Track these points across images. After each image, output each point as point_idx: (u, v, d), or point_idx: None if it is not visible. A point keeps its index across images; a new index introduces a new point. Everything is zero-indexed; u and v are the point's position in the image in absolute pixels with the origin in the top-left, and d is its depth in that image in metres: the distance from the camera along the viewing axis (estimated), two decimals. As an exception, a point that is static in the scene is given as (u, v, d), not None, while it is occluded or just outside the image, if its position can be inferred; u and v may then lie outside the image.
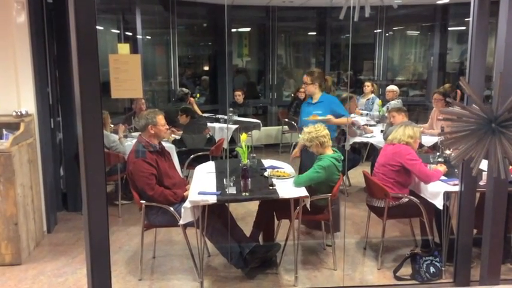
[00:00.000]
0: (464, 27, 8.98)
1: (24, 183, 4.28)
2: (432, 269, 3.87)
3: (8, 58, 4.39)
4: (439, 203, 3.86)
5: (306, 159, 4.69)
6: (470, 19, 3.27)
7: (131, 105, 6.37)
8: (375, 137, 6.08)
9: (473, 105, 1.86)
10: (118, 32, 8.15)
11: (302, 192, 3.78)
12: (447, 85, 7.01)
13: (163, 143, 4.32)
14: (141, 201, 3.84)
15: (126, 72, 3.12)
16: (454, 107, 1.92)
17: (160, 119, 4.04)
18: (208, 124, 6.77)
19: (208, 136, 6.21)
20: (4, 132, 4.29)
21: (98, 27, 3.01)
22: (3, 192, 4.03)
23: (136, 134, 5.35)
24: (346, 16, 3.03)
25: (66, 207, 5.47)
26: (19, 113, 4.31)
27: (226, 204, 3.92)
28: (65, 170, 5.45)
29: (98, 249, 3.20)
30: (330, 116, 4.77)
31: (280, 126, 8.47)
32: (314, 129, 4.17)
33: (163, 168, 3.97)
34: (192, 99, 7.18)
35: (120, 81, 3.13)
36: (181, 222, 3.72)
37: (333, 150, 4.19)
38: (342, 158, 4.19)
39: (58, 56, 5.19)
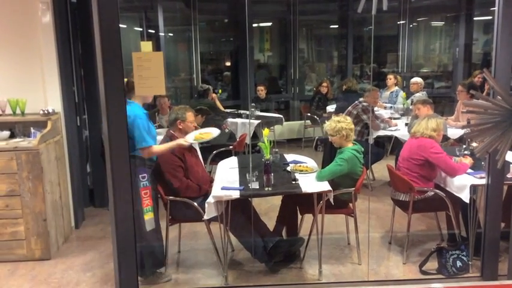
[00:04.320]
0: (490, 17, 8.77)
1: (52, 180, 4.38)
2: (459, 263, 3.82)
3: (34, 58, 4.49)
4: (465, 197, 3.80)
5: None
6: (496, 8, 3.20)
7: (154, 102, 6.44)
8: (399, 130, 6.00)
9: (498, 97, 1.83)
10: (141, 30, 8.24)
11: (325, 186, 3.77)
12: (477, 71, 6.82)
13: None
14: (166, 197, 3.89)
15: (149, 70, 3.16)
16: (478, 99, 1.88)
17: (190, 115, 4.09)
18: (231, 120, 6.79)
19: (226, 131, 6.21)
20: (32, 130, 4.40)
21: (121, 25, 3.05)
22: (32, 189, 4.14)
23: (160, 130, 5.41)
24: (368, 8, 3.00)
25: (93, 203, 5.57)
26: (46, 112, 4.41)
27: (249, 199, 3.93)
28: (92, 166, 5.55)
29: (125, 243, 3.27)
30: None
31: (303, 121, 8.45)
32: (344, 120, 4.15)
33: (189, 163, 4.01)
34: (214, 95, 7.20)
35: (143, 79, 3.17)
36: (205, 217, 3.75)
37: (353, 143, 4.16)
38: (363, 149, 4.16)
39: (83, 54, 5.28)
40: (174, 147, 3.85)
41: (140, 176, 3.64)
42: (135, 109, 3.59)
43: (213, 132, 3.94)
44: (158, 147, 3.78)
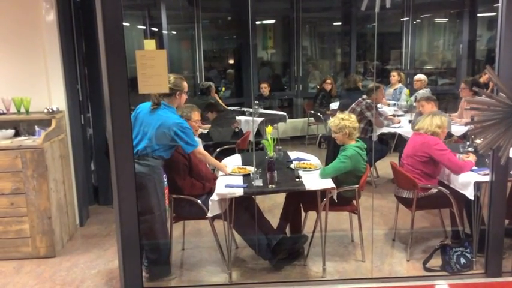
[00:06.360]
0: (494, 13, 8.73)
1: (57, 178, 4.40)
2: (463, 260, 3.82)
3: (38, 57, 4.50)
4: (469, 194, 3.79)
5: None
6: (499, 4, 3.18)
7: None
8: (403, 127, 6.00)
9: (500, 93, 1.82)
10: (144, 28, 8.25)
11: (329, 183, 3.77)
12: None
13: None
14: (170, 195, 3.91)
15: (152, 68, 3.17)
16: (481, 95, 1.88)
17: (196, 115, 4.16)
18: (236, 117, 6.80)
19: (236, 130, 6.22)
20: (36, 128, 4.41)
21: (124, 23, 3.06)
22: (37, 187, 4.16)
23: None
24: (371, 5, 3.00)
25: (97, 201, 5.59)
26: (50, 110, 4.42)
27: (253, 196, 3.94)
28: (96, 164, 5.57)
29: (129, 241, 3.28)
30: None
31: (306, 118, 8.44)
32: (348, 117, 4.14)
33: (193, 161, 4.03)
34: (215, 94, 7.21)
35: (147, 77, 3.18)
36: (209, 214, 3.77)
37: (356, 140, 4.16)
38: (365, 146, 4.16)
39: (86, 53, 5.28)
40: (215, 165, 4.11)
41: (163, 176, 3.75)
42: (176, 113, 3.81)
43: (251, 170, 4.02)
44: (202, 150, 4.00)
